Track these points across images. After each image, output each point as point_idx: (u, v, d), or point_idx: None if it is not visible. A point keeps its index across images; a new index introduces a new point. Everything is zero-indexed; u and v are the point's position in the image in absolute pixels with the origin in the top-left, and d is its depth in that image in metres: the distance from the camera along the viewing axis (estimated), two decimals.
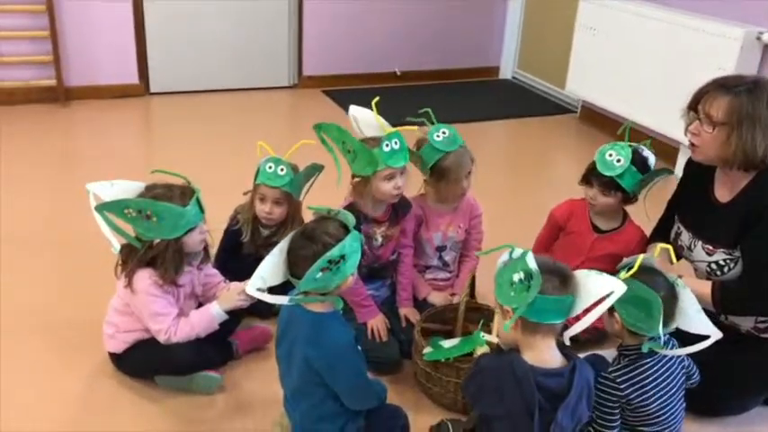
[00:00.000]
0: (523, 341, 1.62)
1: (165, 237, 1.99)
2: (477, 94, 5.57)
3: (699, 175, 2.13)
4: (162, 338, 2.05)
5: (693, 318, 1.77)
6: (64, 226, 3.09)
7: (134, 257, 2.03)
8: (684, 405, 1.91)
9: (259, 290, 1.72)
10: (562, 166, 4.44)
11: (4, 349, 2.32)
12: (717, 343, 1.92)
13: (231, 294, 2.10)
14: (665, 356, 1.83)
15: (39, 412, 2.08)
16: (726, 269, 2.05)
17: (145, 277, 2.02)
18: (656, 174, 2.28)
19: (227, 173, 3.09)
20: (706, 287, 2.02)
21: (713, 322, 1.80)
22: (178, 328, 2.04)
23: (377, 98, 2.23)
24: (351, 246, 1.72)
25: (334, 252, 1.68)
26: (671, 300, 1.76)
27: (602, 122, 4.67)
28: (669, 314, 1.74)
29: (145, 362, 2.13)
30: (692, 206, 2.01)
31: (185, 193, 2.04)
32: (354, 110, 2.26)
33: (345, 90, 5.31)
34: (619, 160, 2.22)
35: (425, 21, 5.52)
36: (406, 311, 2.37)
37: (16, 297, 2.60)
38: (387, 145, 2.13)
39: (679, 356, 1.88)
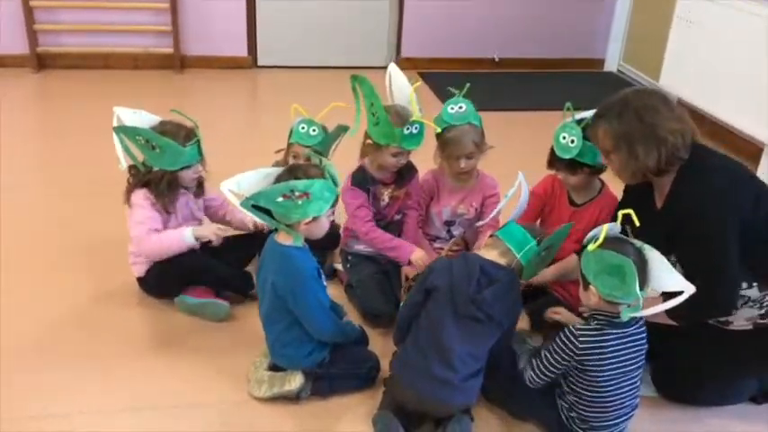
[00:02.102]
0: (485, 248, 2.03)
1: (164, 167, 2.34)
2: (576, 85, 5.48)
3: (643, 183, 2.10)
4: (134, 247, 2.40)
5: (666, 277, 1.83)
6: None
7: (136, 179, 2.39)
8: (637, 394, 1.94)
9: (231, 192, 1.92)
10: None
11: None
12: (687, 334, 2.04)
13: (210, 226, 2.45)
14: (631, 334, 1.89)
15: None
16: None
17: (139, 193, 2.37)
18: None
19: None
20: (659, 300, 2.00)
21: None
22: (149, 240, 2.34)
23: (418, 83, 2.42)
24: (319, 189, 1.92)
25: (298, 184, 1.90)
26: (641, 264, 1.83)
27: (699, 121, 4.46)
28: (642, 278, 1.81)
29: (159, 278, 2.45)
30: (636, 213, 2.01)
31: (189, 136, 2.36)
32: (394, 69, 2.43)
33: (441, 73, 5.43)
34: (573, 141, 2.21)
35: (528, 7, 5.53)
36: (407, 270, 2.51)
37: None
38: (407, 128, 2.31)
39: (642, 340, 1.92)
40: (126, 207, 2.44)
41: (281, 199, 1.90)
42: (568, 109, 2.27)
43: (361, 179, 2.44)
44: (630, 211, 1.87)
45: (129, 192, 2.40)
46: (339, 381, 2.12)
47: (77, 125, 4.17)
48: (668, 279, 1.83)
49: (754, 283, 1.97)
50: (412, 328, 1.98)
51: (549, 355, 1.91)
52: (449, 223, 2.61)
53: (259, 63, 5.36)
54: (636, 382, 1.93)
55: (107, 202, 2.99)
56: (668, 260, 1.84)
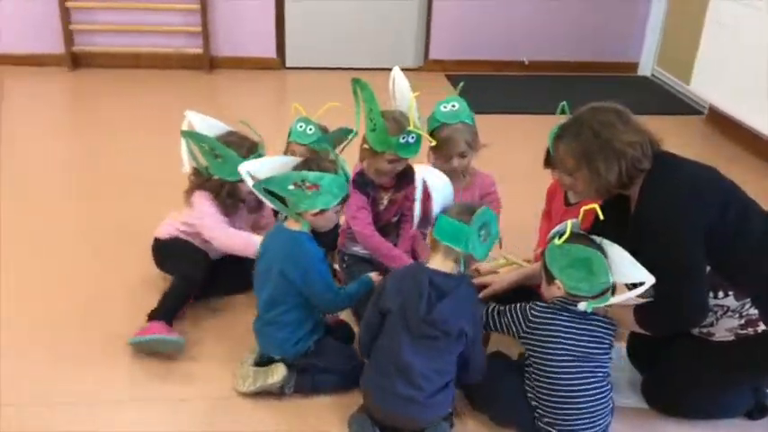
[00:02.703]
0: (431, 256, 1.98)
1: (223, 177, 2.41)
2: (608, 89, 5.37)
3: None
4: (206, 234, 2.47)
5: (627, 268, 1.88)
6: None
7: (198, 181, 2.49)
8: (603, 401, 1.93)
9: (248, 173, 2.05)
10: None
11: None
12: (675, 346, 2.05)
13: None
14: (586, 325, 1.93)
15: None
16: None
17: (203, 194, 2.47)
18: None
19: None
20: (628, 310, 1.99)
21: None
22: (222, 231, 2.45)
23: (416, 93, 2.40)
24: (328, 183, 2.02)
25: (309, 175, 2.00)
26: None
27: (730, 128, 4.39)
28: None
29: (169, 253, 2.56)
30: (611, 222, 1.98)
31: (252, 150, 2.41)
32: (398, 73, 2.44)
33: (468, 76, 5.40)
34: None
35: (559, 9, 5.45)
36: None
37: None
38: (404, 138, 2.32)
39: (602, 337, 1.95)
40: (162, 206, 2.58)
41: (291, 187, 2.01)
42: (563, 111, 2.24)
43: (361, 182, 2.44)
44: (596, 205, 1.93)
45: (190, 192, 2.50)
46: (322, 375, 2.14)
47: (110, 122, 4.31)
48: (629, 271, 1.88)
49: (730, 292, 1.92)
50: (373, 347, 1.96)
51: (504, 314, 2.01)
52: None
53: (287, 64, 5.42)
54: (599, 387, 1.92)
55: (137, 195, 3.20)
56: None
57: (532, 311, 1.95)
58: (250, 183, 2.06)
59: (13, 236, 2.96)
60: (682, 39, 5.26)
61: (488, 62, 5.53)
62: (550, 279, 1.95)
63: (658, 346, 2.13)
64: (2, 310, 2.48)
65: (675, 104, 5.10)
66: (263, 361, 2.18)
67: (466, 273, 1.97)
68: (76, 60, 5.14)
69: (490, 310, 2.06)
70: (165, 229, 2.58)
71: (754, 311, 1.92)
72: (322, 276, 2.08)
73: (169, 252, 2.56)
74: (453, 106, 2.40)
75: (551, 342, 1.91)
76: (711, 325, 1.98)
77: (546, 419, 1.93)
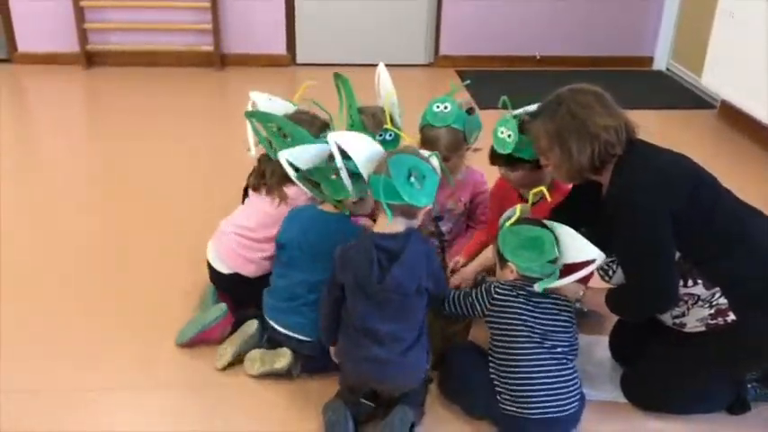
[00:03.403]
0: (377, 220, 1.97)
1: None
2: (622, 84, 5.22)
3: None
4: None
5: (577, 249, 1.91)
6: (206, 166, 3.68)
7: (274, 175, 2.29)
8: (549, 365, 1.93)
9: (288, 162, 2.05)
10: None
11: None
12: (648, 337, 2.06)
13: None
14: (544, 305, 1.97)
15: None
16: (610, 272, 2.01)
17: (294, 188, 2.27)
18: None
19: None
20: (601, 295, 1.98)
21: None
22: None
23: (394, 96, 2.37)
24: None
25: (350, 165, 1.96)
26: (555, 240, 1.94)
27: (741, 122, 4.30)
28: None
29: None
30: (583, 208, 1.96)
31: (323, 128, 2.30)
32: (383, 70, 2.44)
33: (479, 71, 5.39)
34: (509, 135, 2.14)
35: (571, 4, 5.39)
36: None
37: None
38: (380, 135, 2.31)
39: (561, 319, 1.97)
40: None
41: (333, 177, 2.01)
42: (504, 104, 2.21)
43: None
44: (543, 188, 1.97)
45: (278, 188, 2.29)
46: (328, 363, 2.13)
47: (123, 120, 4.37)
48: (579, 249, 1.90)
49: (699, 281, 1.90)
50: (341, 323, 1.97)
51: (462, 294, 2.05)
52: (437, 218, 2.59)
53: (298, 61, 5.45)
54: (559, 367, 1.92)
55: (153, 195, 3.26)
56: (611, 256, 1.83)
57: (496, 290, 1.99)
58: (292, 173, 2.05)
59: (25, 229, 3.05)
60: (696, 32, 5.17)
61: (500, 58, 5.49)
62: (503, 263, 1.99)
63: (638, 340, 2.10)
64: (6, 297, 2.55)
65: (688, 99, 5.02)
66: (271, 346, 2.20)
67: (415, 228, 1.95)
68: (90, 59, 5.23)
69: (454, 294, 2.07)
70: (246, 265, 2.35)
71: (723, 301, 1.89)
72: None
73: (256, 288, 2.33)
74: (445, 107, 2.36)
75: (511, 321, 1.95)
76: (683, 315, 1.96)
77: (508, 402, 1.93)
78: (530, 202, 2.04)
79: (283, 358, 2.13)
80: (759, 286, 1.88)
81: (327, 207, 2.16)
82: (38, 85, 5.02)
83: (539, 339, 1.92)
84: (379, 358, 1.89)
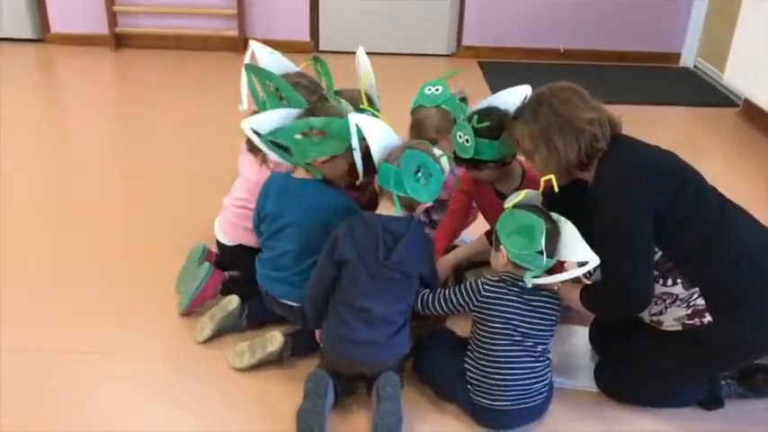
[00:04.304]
0: (380, 202, 2.01)
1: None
2: (648, 80, 5.25)
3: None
4: None
5: (574, 247, 1.89)
6: (228, 146, 3.72)
7: None
8: (524, 362, 1.93)
9: (252, 129, 2.03)
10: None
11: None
12: (624, 330, 2.05)
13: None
14: (534, 302, 1.94)
15: None
16: (592, 270, 1.98)
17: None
18: None
19: None
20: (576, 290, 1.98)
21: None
22: None
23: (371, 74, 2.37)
24: (337, 128, 2.00)
25: (316, 122, 1.97)
26: (554, 235, 1.91)
27: (764, 121, 4.22)
28: (552, 248, 1.90)
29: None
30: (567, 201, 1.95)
31: (320, 99, 2.21)
32: (362, 54, 2.45)
33: (501, 63, 5.37)
34: (467, 140, 2.13)
35: None
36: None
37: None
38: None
39: (548, 317, 1.96)
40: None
41: (299, 136, 1.99)
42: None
43: None
44: (552, 176, 1.91)
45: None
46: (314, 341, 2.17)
47: (149, 101, 4.49)
48: (577, 249, 1.88)
49: (678, 280, 1.88)
50: (330, 304, 2.01)
51: (450, 294, 2.00)
52: (428, 210, 2.60)
53: (321, 48, 5.49)
54: (534, 363, 1.93)
55: (173, 172, 3.33)
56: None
57: (485, 286, 1.97)
58: (255, 139, 2.02)
59: (47, 197, 3.21)
60: (724, 29, 5.07)
61: (523, 50, 5.46)
62: (497, 245, 1.97)
63: (618, 332, 2.10)
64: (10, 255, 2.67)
65: (713, 96, 4.93)
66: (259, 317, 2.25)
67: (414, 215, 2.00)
68: (119, 41, 5.36)
69: (438, 295, 2.04)
70: (247, 235, 2.39)
71: (701, 302, 1.87)
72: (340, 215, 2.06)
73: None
74: (437, 90, 2.38)
75: (495, 318, 1.93)
76: (661, 313, 1.95)
77: (481, 393, 1.94)
78: (540, 188, 2.00)
79: (275, 341, 2.12)
80: (739, 288, 1.86)
81: (300, 173, 2.14)
82: (68, 65, 5.17)
83: (519, 338, 1.91)
84: (367, 340, 1.94)
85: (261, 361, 2.13)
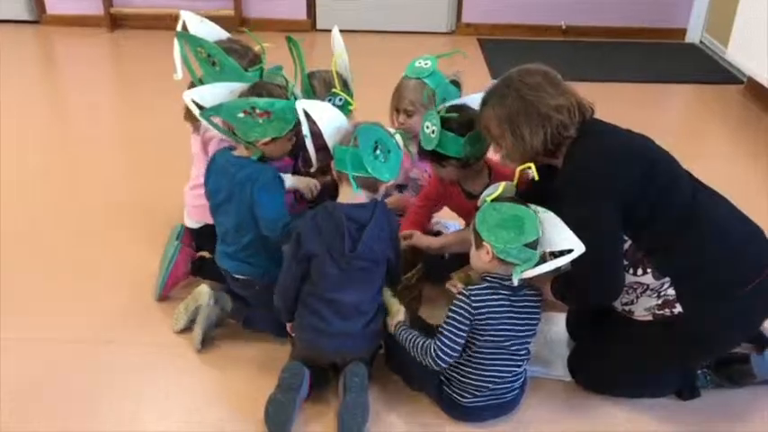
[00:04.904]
0: (340, 189, 1.93)
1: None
2: (652, 56, 5.13)
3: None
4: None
5: (558, 236, 1.77)
6: None
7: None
8: (526, 352, 1.90)
9: (193, 102, 1.98)
10: (704, 144, 4.01)
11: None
12: (601, 321, 2.02)
13: (307, 180, 2.26)
14: (522, 300, 1.85)
15: None
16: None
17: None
18: (481, 136, 2.05)
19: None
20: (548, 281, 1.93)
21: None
22: None
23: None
24: (281, 109, 1.95)
25: (260, 102, 1.94)
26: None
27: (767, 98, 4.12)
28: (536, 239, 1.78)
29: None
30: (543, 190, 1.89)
31: (254, 61, 2.18)
32: (336, 33, 2.39)
33: (501, 40, 5.27)
34: (433, 131, 2.06)
35: None
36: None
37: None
38: (330, 99, 2.25)
39: (534, 312, 1.88)
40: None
41: (241, 115, 1.94)
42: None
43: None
44: (531, 165, 1.82)
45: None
46: (257, 313, 2.18)
47: (145, 80, 4.47)
48: (560, 237, 1.77)
49: (648, 269, 1.83)
50: (301, 297, 1.97)
51: (448, 327, 1.84)
52: (400, 187, 2.56)
53: (318, 26, 5.43)
54: (513, 370, 1.89)
55: (170, 154, 3.24)
56: None
57: (472, 298, 1.81)
58: (196, 111, 1.97)
59: (50, 183, 3.22)
60: (730, 3, 4.93)
61: (524, 26, 5.36)
62: (479, 242, 1.83)
63: (595, 321, 2.06)
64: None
65: (718, 73, 4.81)
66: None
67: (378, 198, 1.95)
68: (115, 21, 5.33)
69: (436, 343, 1.85)
70: (208, 213, 2.29)
71: (671, 292, 1.82)
72: (268, 190, 2.03)
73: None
74: (426, 63, 2.33)
75: (489, 325, 1.81)
76: (632, 302, 1.90)
77: (454, 388, 1.91)
78: (515, 180, 1.92)
79: (202, 294, 2.15)
80: (710, 277, 1.81)
81: (241, 151, 2.09)
82: (64, 46, 5.17)
83: (506, 343, 1.84)
84: (341, 332, 1.91)
85: (194, 316, 2.15)
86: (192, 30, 2.17)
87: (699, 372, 2.02)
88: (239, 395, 2.02)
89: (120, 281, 2.50)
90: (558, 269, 1.84)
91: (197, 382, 2.09)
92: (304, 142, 2.04)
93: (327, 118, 1.97)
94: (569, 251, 1.74)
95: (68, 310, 2.36)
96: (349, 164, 1.82)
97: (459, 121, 2.07)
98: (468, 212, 1.99)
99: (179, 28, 2.17)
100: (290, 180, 2.20)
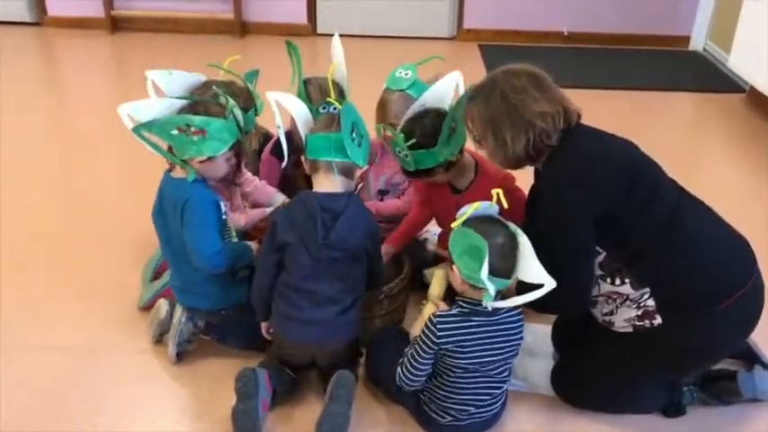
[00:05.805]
0: (314, 180, 1.93)
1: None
2: (655, 64, 5.09)
3: None
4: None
5: (531, 266, 1.71)
6: None
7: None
8: (507, 373, 1.86)
9: (128, 116, 1.93)
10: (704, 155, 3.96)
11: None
12: (582, 334, 1.97)
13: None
14: (501, 323, 1.79)
15: None
16: None
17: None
18: (450, 133, 2.01)
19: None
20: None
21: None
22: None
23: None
24: (217, 129, 1.91)
25: (195, 120, 1.89)
26: (511, 248, 1.73)
27: None
28: (511, 264, 1.72)
29: None
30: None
31: (241, 95, 2.15)
32: (336, 41, 2.36)
33: (503, 46, 5.24)
34: (406, 155, 2.04)
35: None
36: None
37: None
38: (324, 107, 2.24)
39: (516, 331, 1.82)
40: None
41: (175, 132, 1.88)
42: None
43: (280, 149, 2.28)
44: (500, 190, 1.75)
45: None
46: (230, 338, 2.15)
47: (144, 83, 4.45)
48: (533, 269, 1.70)
49: (626, 279, 1.79)
50: (277, 288, 1.95)
51: (412, 353, 1.81)
52: (382, 192, 2.54)
53: (318, 31, 5.41)
54: (493, 393, 1.85)
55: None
56: None
57: (438, 327, 1.75)
58: (129, 125, 1.90)
59: (51, 184, 3.23)
60: (734, 11, 4.88)
61: (525, 33, 5.33)
62: (452, 263, 1.78)
63: (573, 333, 2.02)
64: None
65: (720, 81, 4.76)
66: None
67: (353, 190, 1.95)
68: (116, 24, 5.33)
69: (402, 367, 1.84)
70: None
71: (651, 303, 1.78)
72: (200, 216, 1.95)
73: None
74: (407, 74, 2.31)
75: (460, 350, 1.76)
76: (612, 313, 1.87)
77: (432, 406, 1.87)
78: (459, 188, 1.91)
79: (161, 309, 2.13)
80: (690, 289, 1.76)
81: (178, 172, 2.01)
82: (65, 48, 5.18)
83: (484, 368, 1.80)
84: (314, 320, 1.90)
85: (157, 328, 2.12)
86: (164, 86, 2.11)
87: (685, 389, 1.98)
88: (214, 406, 1.99)
89: (110, 286, 2.48)
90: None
91: (171, 392, 2.06)
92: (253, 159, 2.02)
93: (299, 109, 2.00)
94: (540, 285, 1.69)
95: (57, 315, 2.35)
96: (332, 149, 1.84)
97: (423, 134, 2.02)
98: (449, 215, 1.94)
99: (149, 87, 2.12)
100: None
